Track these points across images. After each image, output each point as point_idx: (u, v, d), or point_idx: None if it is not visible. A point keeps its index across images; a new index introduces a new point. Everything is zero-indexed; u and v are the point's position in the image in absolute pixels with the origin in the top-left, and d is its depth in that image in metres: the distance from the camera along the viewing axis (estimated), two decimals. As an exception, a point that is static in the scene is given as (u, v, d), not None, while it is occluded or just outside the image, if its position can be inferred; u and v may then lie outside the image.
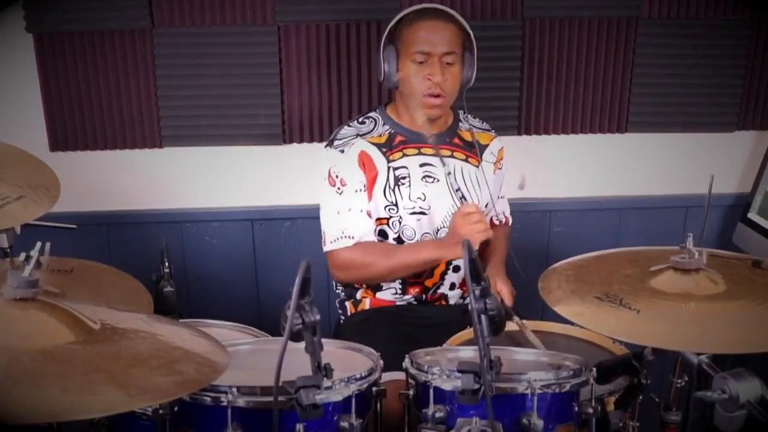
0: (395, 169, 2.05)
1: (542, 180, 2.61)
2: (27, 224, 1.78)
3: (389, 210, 2.06)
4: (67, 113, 2.41)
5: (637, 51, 2.53)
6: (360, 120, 2.13)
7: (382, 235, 2.10)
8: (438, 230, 2.09)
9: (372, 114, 2.14)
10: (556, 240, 2.67)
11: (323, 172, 2.07)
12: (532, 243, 2.60)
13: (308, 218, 2.44)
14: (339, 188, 2.03)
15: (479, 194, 2.13)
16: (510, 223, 2.36)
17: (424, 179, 2.06)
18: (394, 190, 2.05)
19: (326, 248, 2.06)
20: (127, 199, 2.52)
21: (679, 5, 2.49)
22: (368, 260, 2.04)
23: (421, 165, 2.07)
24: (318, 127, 2.50)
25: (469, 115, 2.19)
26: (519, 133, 2.56)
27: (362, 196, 2.04)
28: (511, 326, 1.89)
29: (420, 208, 2.06)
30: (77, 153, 2.46)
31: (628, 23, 2.50)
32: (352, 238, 2.02)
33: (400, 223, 2.07)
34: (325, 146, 2.11)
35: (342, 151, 2.05)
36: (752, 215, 2.60)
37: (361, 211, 2.03)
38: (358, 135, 2.07)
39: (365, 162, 2.04)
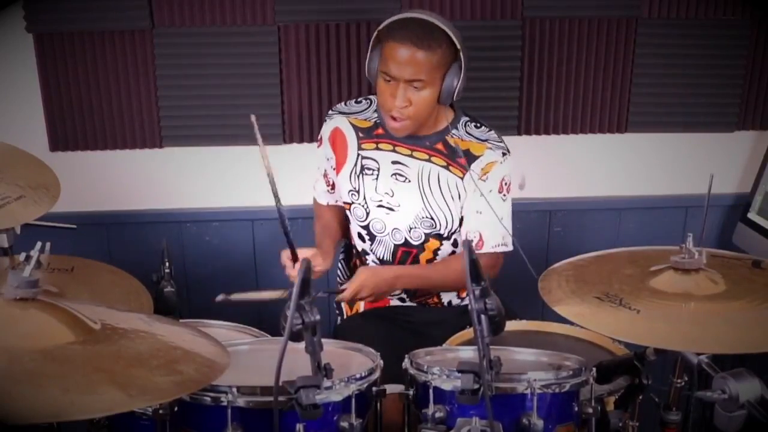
0: (364, 158, 2.07)
1: (542, 180, 2.61)
2: (27, 224, 1.78)
3: (351, 195, 2.10)
4: (67, 113, 2.41)
5: (637, 51, 2.53)
6: (358, 99, 2.15)
7: (346, 220, 2.18)
8: (411, 229, 2.07)
9: (372, 96, 2.14)
10: (556, 240, 2.67)
11: None
12: (532, 243, 2.60)
13: (308, 218, 2.43)
14: (317, 147, 2.18)
15: (453, 205, 2.05)
16: (499, 250, 2.06)
17: (394, 176, 2.06)
18: (358, 177, 2.07)
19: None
20: (127, 199, 2.52)
21: (679, 5, 2.49)
22: (319, 226, 2.22)
23: (394, 162, 2.06)
24: (318, 127, 2.49)
25: (474, 124, 2.06)
26: (519, 133, 2.56)
27: (324, 163, 2.16)
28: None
29: (388, 203, 2.06)
30: (77, 153, 2.46)
31: (628, 23, 2.50)
32: (314, 189, 2.23)
33: (367, 213, 2.09)
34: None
35: (326, 120, 2.14)
36: (752, 215, 2.60)
37: (318, 170, 2.19)
38: (341, 113, 2.11)
39: (337, 138, 2.09)
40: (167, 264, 1.83)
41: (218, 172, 2.54)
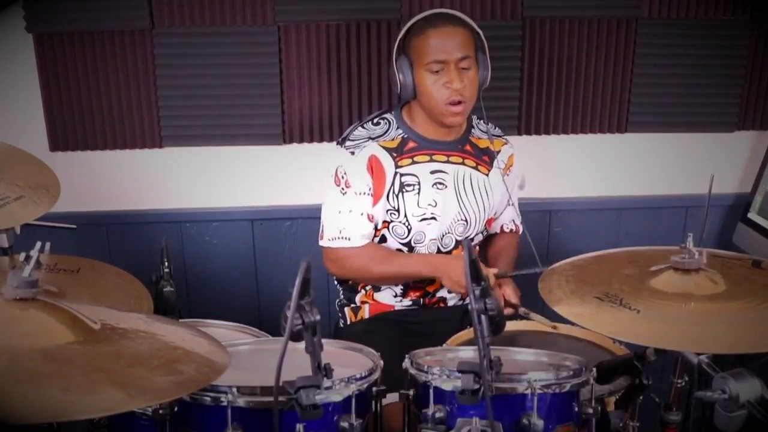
0: (402, 175, 2.04)
1: (542, 180, 2.60)
2: (27, 224, 1.78)
3: (390, 214, 2.06)
4: (67, 113, 2.41)
5: (637, 51, 2.53)
6: (375, 121, 2.10)
7: (382, 240, 2.11)
8: (443, 235, 2.10)
9: (387, 115, 2.11)
10: (556, 240, 2.67)
11: (330, 168, 2.06)
12: (532, 243, 2.60)
13: (308, 218, 2.44)
14: (343, 189, 2.03)
15: (485, 203, 2.13)
16: (520, 232, 2.30)
17: (435, 186, 2.05)
18: (397, 196, 2.04)
19: (322, 243, 2.08)
20: (127, 199, 2.52)
21: (679, 5, 2.49)
22: (362, 263, 2.06)
23: (433, 172, 2.06)
24: (318, 127, 2.50)
25: (481, 121, 2.16)
26: (519, 133, 2.56)
27: (365, 200, 2.03)
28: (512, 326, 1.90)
29: (431, 213, 2.05)
30: (77, 153, 2.46)
31: (628, 23, 2.50)
32: (349, 239, 2.03)
33: (409, 229, 2.07)
34: (337, 144, 2.11)
35: (352, 153, 2.03)
36: (752, 215, 2.60)
37: (362, 214, 2.03)
38: (370, 138, 2.05)
39: (374, 167, 2.02)
40: (167, 264, 1.84)
41: (218, 172, 2.54)
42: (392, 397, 1.54)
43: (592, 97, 2.57)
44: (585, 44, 2.51)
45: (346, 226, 2.03)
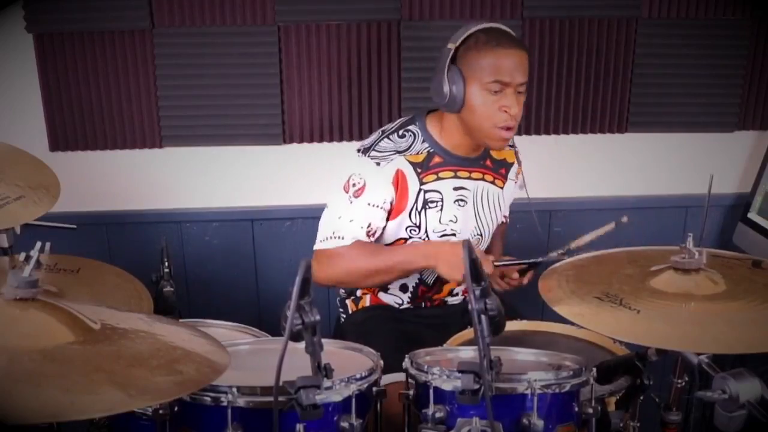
0: (426, 192, 1.98)
1: (542, 180, 2.60)
2: (27, 224, 1.78)
3: (410, 231, 2.01)
4: (67, 113, 2.41)
5: (637, 51, 2.53)
6: (400, 133, 2.00)
7: None
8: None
9: (411, 127, 2.01)
10: (556, 240, 2.66)
11: (344, 173, 1.97)
12: (532, 243, 2.60)
13: (308, 218, 2.44)
14: (351, 198, 1.95)
15: (498, 215, 2.13)
16: (507, 222, 2.33)
17: (456, 202, 2.02)
18: (420, 213, 1.99)
19: (315, 247, 2.00)
20: (127, 199, 2.52)
21: (679, 5, 2.49)
22: (349, 262, 1.95)
23: (456, 188, 2.02)
24: (318, 127, 2.50)
25: None
26: (519, 133, 2.55)
27: (375, 213, 1.95)
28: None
29: (452, 230, 2.03)
30: (77, 153, 2.46)
31: (628, 23, 2.50)
32: (342, 238, 1.94)
33: None
34: (359, 151, 1.99)
35: (378, 164, 1.94)
36: (752, 215, 2.60)
37: (362, 227, 1.94)
38: (397, 152, 1.96)
39: (400, 181, 1.95)
40: (167, 264, 1.83)
41: (218, 172, 2.54)
42: (390, 377, 1.54)
43: (592, 97, 2.57)
44: (585, 44, 2.51)
45: (340, 228, 1.95)
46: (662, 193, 2.69)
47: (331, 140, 2.50)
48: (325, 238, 1.97)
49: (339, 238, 1.94)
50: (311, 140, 2.51)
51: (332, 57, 2.44)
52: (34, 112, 2.40)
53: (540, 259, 1.97)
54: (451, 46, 1.89)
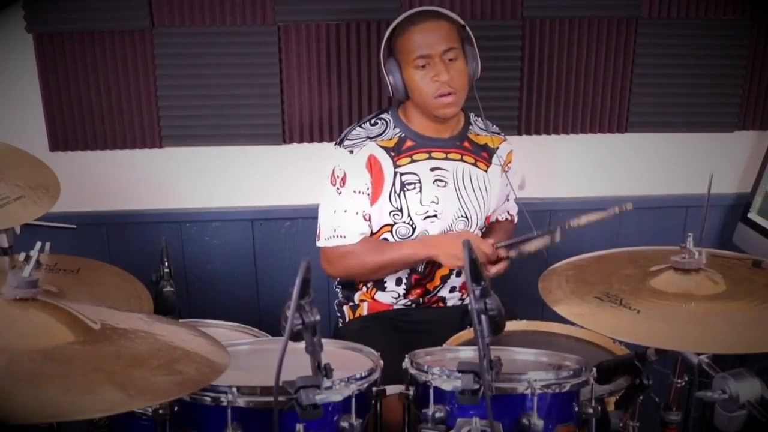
0: (402, 174, 2.04)
1: (542, 180, 2.60)
2: (27, 224, 1.78)
3: (394, 215, 2.06)
4: (67, 113, 2.41)
5: (637, 51, 2.53)
6: (372, 121, 2.10)
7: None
8: (445, 232, 2.10)
9: (384, 115, 2.12)
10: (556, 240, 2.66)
11: (328, 169, 2.07)
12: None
13: (308, 218, 2.44)
14: (338, 189, 2.03)
15: (485, 199, 2.14)
16: (515, 222, 2.34)
17: (435, 183, 2.06)
18: (399, 196, 2.04)
19: (319, 244, 2.09)
20: (127, 199, 2.52)
21: (679, 5, 2.49)
22: (357, 259, 2.05)
23: (432, 169, 2.06)
24: (318, 127, 2.50)
25: (479, 118, 2.17)
26: (519, 133, 2.56)
27: (361, 199, 2.03)
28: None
29: (434, 211, 2.06)
30: (77, 153, 2.46)
31: (628, 23, 2.50)
32: (345, 237, 2.04)
33: (413, 229, 2.06)
34: (334, 144, 2.11)
35: (351, 152, 2.03)
36: (752, 215, 2.60)
37: (357, 213, 2.03)
38: (368, 137, 2.06)
39: (373, 165, 2.03)
40: (167, 264, 1.84)
41: (218, 172, 2.54)
42: (391, 390, 1.54)
43: (592, 97, 2.57)
44: (585, 44, 2.51)
45: (341, 224, 2.04)
46: (662, 193, 2.69)
47: (331, 140, 2.50)
48: (329, 237, 2.05)
49: (341, 236, 2.04)
50: (311, 140, 2.51)
51: (332, 57, 2.44)
52: (34, 112, 2.40)
53: (537, 233, 2.02)
54: (384, 40, 2.03)
